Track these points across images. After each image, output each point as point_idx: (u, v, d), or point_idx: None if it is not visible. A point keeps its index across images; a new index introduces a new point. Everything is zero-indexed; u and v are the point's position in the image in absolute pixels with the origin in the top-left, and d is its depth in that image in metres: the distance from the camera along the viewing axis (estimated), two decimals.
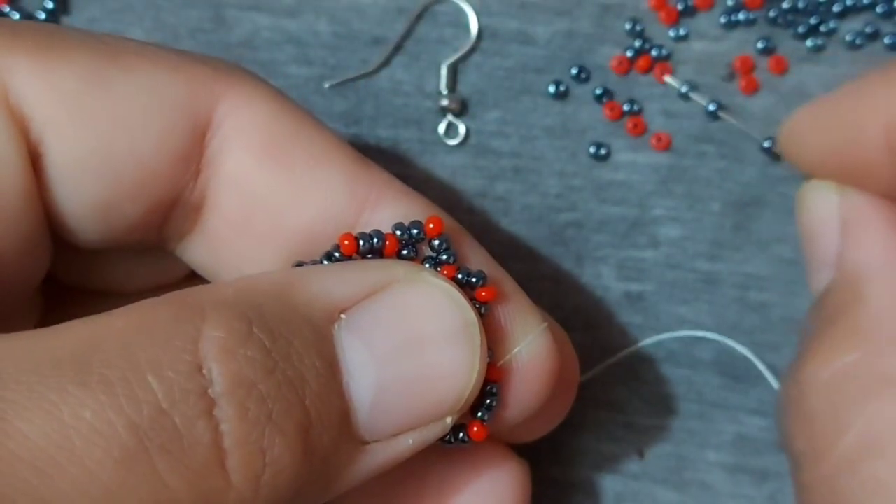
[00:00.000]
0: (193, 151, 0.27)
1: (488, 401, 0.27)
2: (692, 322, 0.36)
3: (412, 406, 0.25)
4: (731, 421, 0.36)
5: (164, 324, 0.22)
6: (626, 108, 0.37)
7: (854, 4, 0.36)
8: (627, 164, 0.37)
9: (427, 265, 0.27)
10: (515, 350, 0.27)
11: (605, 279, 0.37)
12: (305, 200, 0.27)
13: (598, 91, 0.37)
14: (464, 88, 0.37)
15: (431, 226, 0.27)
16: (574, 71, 0.37)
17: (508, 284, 0.28)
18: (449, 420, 0.26)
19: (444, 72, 0.37)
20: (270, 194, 0.27)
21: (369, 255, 0.26)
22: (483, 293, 0.26)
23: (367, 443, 0.25)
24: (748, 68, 0.36)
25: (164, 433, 0.21)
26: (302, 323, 0.24)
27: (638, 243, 0.37)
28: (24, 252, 0.27)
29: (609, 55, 0.37)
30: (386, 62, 0.37)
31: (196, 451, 0.22)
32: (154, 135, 0.26)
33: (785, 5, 0.36)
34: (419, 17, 0.37)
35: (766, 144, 0.36)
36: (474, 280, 0.26)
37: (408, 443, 0.25)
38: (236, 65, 0.29)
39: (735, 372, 0.36)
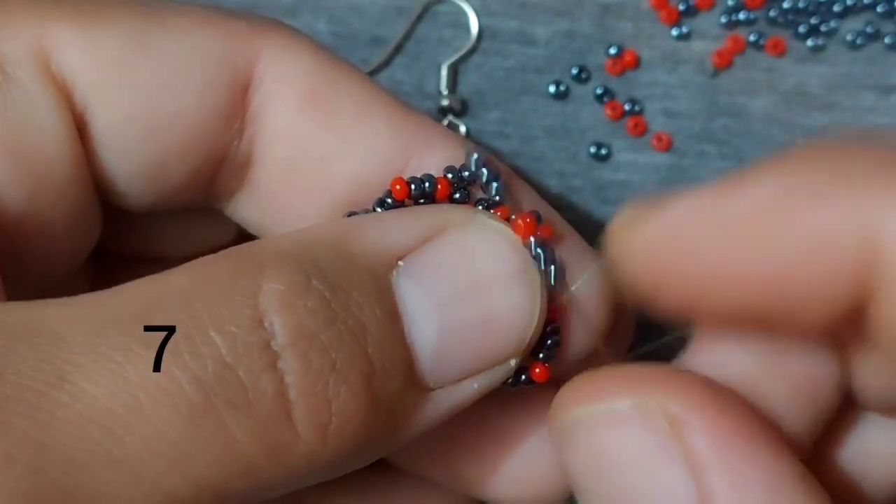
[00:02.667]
0: (237, 108, 0.27)
1: (549, 341, 0.26)
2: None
3: (475, 350, 0.24)
4: None
5: (224, 279, 0.22)
6: (626, 107, 0.37)
7: (855, 4, 0.36)
8: (628, 165, 0.37)
9: (480, 207, 0.26)
10: (573, 287, 0.27)
11: None
12: (352, 149, 0.27)
13: (599, 91, 0.37)
14: (464, 89, 0.37)
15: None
16: (574, 71, 0.37)
17: (560, 224, 0.27)
18: (513, 362, 0.25)
19: (444, 72, 0.37)
20: (316, 145, 0.27)
21: (421, 200, 0.26)
22: (539, 233, 0.26)
23: (432, 389, 0.24)
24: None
25: (229, 387, 0.21)
26: (360, 272, 0.23)
27: None
28: (74, 221, 0.26)
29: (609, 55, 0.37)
30: (386, 62, 0.37)
31: (262, 403, 0.21)
32: (197, 94, 0.26)
33: (785, 5, 0.36)
34: (419, 17, 0.37)
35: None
36: (528, 220, 0.26)
37: (473, 387, 0.25)
38: (274, 19, 0.28)
39: None
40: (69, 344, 0.21)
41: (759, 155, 0.36)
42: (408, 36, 0.37)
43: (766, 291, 0.20)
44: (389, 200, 0.26)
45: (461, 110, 0.37)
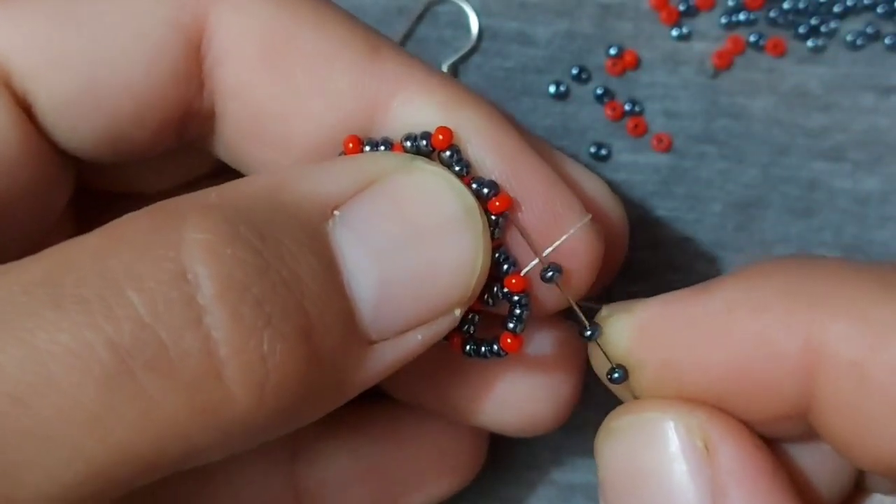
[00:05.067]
0: (190, 67, 0.26)
1: (518, 311, 0.25)
2: None
3: (418, 300, 0.24)
4: None
5: (143, 233, 0.21)
6: (626, 108, 0.37)
7: (855, 5, 0.36)
8: (628, 165, 0.37)
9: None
10: (532, 264, 0.25)
11: None
12: (311, 107, 0.26)
13: (599, 91, 0.37)
14: None
15: (441, 137, 0.25)
16: (574, 71, 0.37)
17: (537, 182, 0.26)
18: (457, 312, 0.24)
19: (444, 72, 0.37)
20: (273, 103, 0.26)
21: None
22: (496, 203, 0.25)
23: (374, 342, 0.23)
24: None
25: (147, 349, 0.20)
26: (292, 221, 0.22)
27: (639, 244, 0.36)
28: (34, 191, 0.26)
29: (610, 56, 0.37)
30: None
31: (186, 363, 0.20)
32: (143, 60, 0.25)
33: (785, 5, 0.36)
34: (420, 17, 0.37)
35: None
36: (486, 191, 0.25)
37: (417, 339, 0.24)
38: None
39: None
40: None
41: (759, 155, 0.36)
42: (408, 36, 0.37)
43: (721, 385, 0.24)
44: None
45: None
